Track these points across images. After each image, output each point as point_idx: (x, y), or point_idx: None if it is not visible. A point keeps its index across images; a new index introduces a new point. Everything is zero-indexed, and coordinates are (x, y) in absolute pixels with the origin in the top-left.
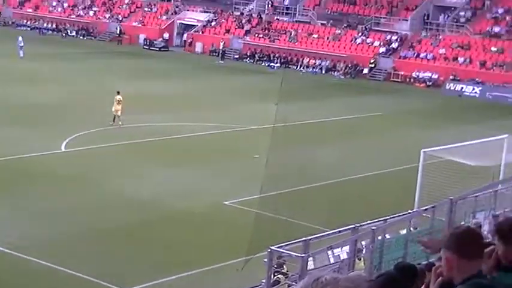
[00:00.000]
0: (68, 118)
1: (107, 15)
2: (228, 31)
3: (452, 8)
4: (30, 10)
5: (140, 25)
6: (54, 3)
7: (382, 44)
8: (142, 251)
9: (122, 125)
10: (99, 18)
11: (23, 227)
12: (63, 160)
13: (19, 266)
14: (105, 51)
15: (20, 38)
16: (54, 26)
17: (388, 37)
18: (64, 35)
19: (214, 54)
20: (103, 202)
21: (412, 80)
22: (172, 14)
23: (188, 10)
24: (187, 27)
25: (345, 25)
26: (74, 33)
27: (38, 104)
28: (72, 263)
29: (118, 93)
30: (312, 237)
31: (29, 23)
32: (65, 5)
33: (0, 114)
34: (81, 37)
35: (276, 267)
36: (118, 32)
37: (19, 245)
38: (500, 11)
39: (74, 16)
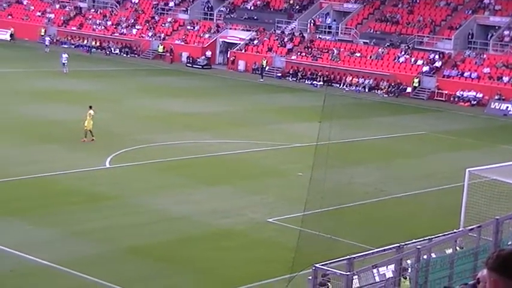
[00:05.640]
0: (112, 135)
1: (150, 33)
2: (270, 49)
3: (496, 27)
4: (74, 28)
5: (183, 43)
6: (98, 22)
7: (425, 63)
8: (185, 268)
9: (94, 140)
10: (142, 36)
11: (67, 243)
12: (107, 176)
13: (59, 280)
14: (148, 69)
15: (65, 55)
16: (98, 43)
17: (431, 56)
18: (108, 52)
19: (256, 72)
20: (145, 219)
21: (455, 99)
22: (214, 32)
23: (230, 28)
24: (230, 45)
25: (388, 44)
26: (117, 51)
27: (81, 120)
28: (114, 279)
29: (90, 107)
30: (357, 255)
31: (72, 40)
32: (109, 23)
33: (46, 131)
34: (125, 55)
35: (319, 286)
36: (168, 50)
37: (61, 260)
38: None
39: (117, 34)
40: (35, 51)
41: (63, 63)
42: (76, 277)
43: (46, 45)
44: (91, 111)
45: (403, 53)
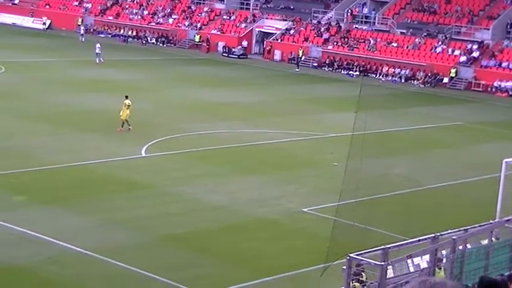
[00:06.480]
0: (148, 124)
1: (186, 23)
2: (306, 39)
3: None
4: (111, 18)
5: (219, 33)
6: (135, 11)
7: (462, 53)
8: (220, 256)
9: (131, 129)
10: (178, 25)
11: (103, 231)
12: (143, 165)
13: (95, 267)
14: (184, 58)
15: (98, 45)
16: (134, 33)
17: (469, 46)
18: (144, 42)
19: (293, 62)
20: (181, 208)
21: (493, 89)
22: (250, 22)
23: (267, 18)
24: (266, 35)
25: (425, 34)
26: (153, 41)
27: (117, 110)
28: (150, 267)
29: (126, 97)
30: (391, 245)
31: (109, 30)
32: (145, 12)
33: (82, 120)
34: (161, 44)
35: (354, 275)
36: (204, 40)
37: (98, 248)
38: None
39: (153, 24)
40: (71, 40)
41: (97, 53)
42: (112, 265)
43: (81, 34)
44: (126, 101)
45: (440, 43)
